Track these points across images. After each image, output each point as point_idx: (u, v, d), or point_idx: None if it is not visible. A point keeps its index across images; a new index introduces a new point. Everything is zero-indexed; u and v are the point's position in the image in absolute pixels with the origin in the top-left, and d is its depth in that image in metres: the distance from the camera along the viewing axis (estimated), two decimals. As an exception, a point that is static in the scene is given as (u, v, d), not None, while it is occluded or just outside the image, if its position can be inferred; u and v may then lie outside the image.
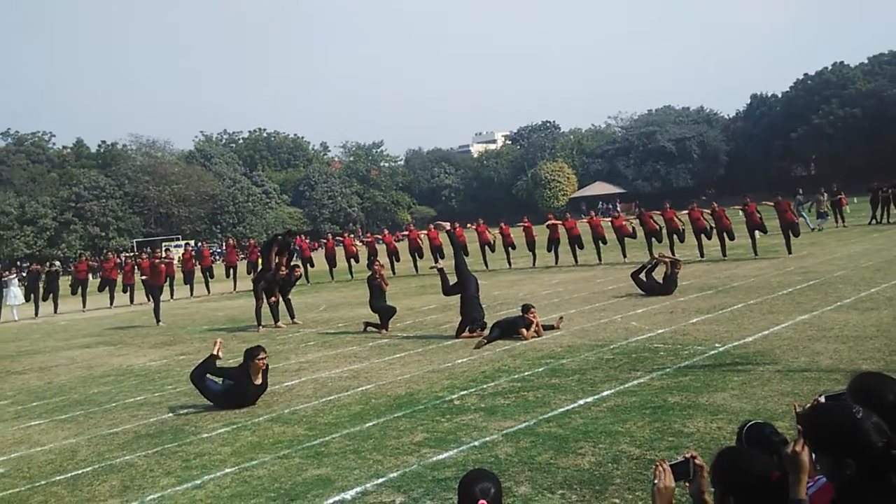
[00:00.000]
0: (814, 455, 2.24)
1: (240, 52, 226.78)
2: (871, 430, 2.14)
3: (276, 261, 14.27)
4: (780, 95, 68.44)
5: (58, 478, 5.92)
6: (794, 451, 2.24)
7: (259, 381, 7.72)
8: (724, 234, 18.54)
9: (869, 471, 2.11)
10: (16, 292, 22.78)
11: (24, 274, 29.63)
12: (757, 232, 18.45)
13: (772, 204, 18.60)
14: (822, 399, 2.71)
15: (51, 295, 22.67)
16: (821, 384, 6.23)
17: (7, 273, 24.22)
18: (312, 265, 25.27)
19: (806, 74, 65.79)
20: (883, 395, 2.47)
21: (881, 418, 2.18)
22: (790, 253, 17.50)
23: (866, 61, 64.97)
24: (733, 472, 2.37)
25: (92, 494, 5.45)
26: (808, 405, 2.56)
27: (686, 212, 19.75)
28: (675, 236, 19.79)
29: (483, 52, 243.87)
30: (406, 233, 30.63)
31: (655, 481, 2.47)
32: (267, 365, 7.82)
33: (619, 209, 53.51)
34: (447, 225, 11.99)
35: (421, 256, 24.49)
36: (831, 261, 15.57)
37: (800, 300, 10.85)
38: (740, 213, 19.26)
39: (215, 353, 8.08)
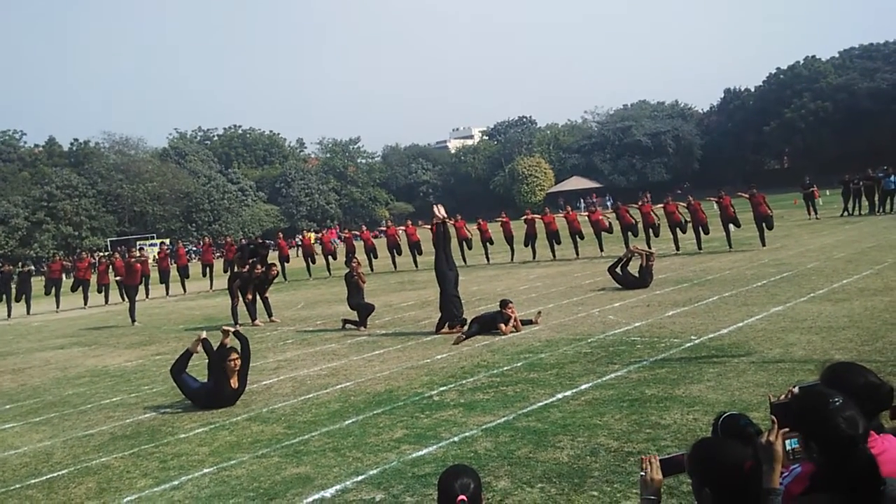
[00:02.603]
0: (787, 443, 2.28)
1: (215, 49, 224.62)
2: (841, 420, 2.18)
3: (249, 263, 14.21)
4: (752, 90, 69.26)
5: (33, 481, 5.84)
6: (768, 440, 2.27)
7: (235, 383, 7.66)
8: (700, 228, 18.71)
9: (834, 460, 2.16)
10: (-13, 293, 22.41)
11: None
12: (731, 225, 18.64)
13: (747, 196, 18.79)
14: (797, 390, 2.75)
15: (23, 296, 22.33)
16: (795, 375, 6.33)
17: (-22, 274, 23.80)
18: (288, 261, 25.14)
19: (778, 69, 66.65)
20: (851, 381, 2.52)
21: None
22: (764, 245, 17.71)
23: (837, 55, 65.96)
24: (708, 462, 2.40)
25: (68, 497, 5.38)
26: (782, 396, 2.60)
27: (661, 205, 19.91)
28: (650, 230, 19.94)
29: (459, 48, 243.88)
30: (383, 229, 30.58)
31: (642, 473, 2.49)
32: (243, 365, 7.74)
33: (596, 204, 53.76)
34: (442, 211, 11.53)
35: (399, 253, 24.47)
36: (804, 253, 15.79)
37: (774, 292, 10.99)
38: (715, 205, 19.44)
39: (193, 349, 8.02)
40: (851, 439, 2.17)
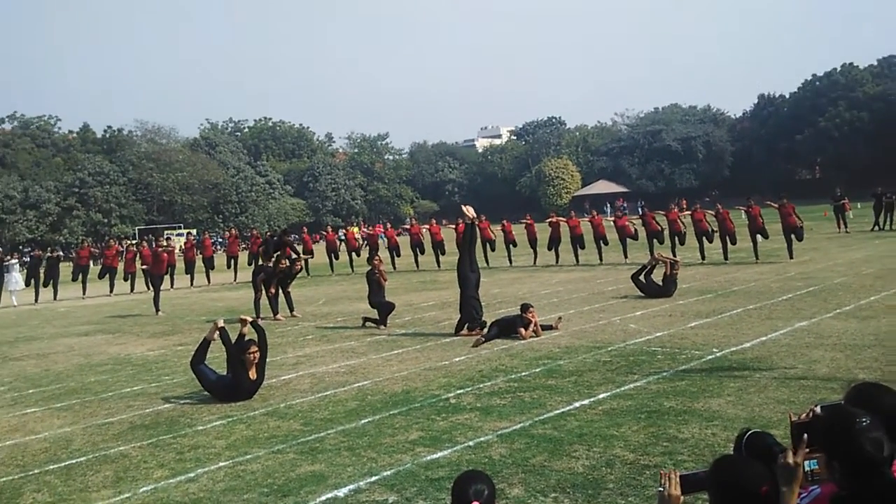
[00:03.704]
0: (807, 464, 2.24)
1: (247, 41, 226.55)
2: (867, 441, 2.14)
3: (275, 257, 14.32)
4: (787, 96, 68.23)
5: (51, 467, 5.93)
6: (787, 461, 2.23)
7: (254, 375, 7.71)
8: (727, 238, 18.49)
9: (857, 482, 2.12)
10: (16, 277, 22.82)
11: (27, 259, 29.65)
12: (759, 236, 18.40)
13: (776, 206, 18.52)
14: (819, 409, 2.69)
15: (51, 281, 22.65)
16: (817, 393, 6.22)
17: (8, 258, 24.23)
18: (312, 255, 25.25)
19: (814, 75, 65.59)
20: (879, 402, 2.46)
21: None
22: (791, 258, 17.46)
23: (876, 63, 64.59)
24: (726, 481, 2.36)
25: (85, 484, 5.45)
26: (804, 414, 2.56)
27: (689, 213, 19.71)
28: (676, 238, 19.73)
29: (490, 46, 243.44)
30: (407, 227, 30.63)
31: (660, 488, 2.46)
32: (261, 357, 7.79)
33: (625, 209, 53.14)
34: (472, 212, 11.28)
35: (422, 252, 24.49)
36: (832, 267, 15.54)
37: (799, 306, 10.83)
38: (743, 215, 19.21)
39: (209, 336, 8.10)
40: (876, 461, 2.12)
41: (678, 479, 2.46)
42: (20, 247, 50.09)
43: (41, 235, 55.33)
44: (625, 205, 58.92)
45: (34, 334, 14.72)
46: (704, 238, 19.04)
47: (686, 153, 67.19)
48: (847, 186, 32.05)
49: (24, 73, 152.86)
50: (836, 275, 14.11)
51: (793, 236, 17.84)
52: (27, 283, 22.60)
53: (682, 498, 2.45)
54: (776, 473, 2.28)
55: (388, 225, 32.35)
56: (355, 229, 29.56)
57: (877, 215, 25.30)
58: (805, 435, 2.28)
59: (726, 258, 18.40)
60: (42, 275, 22.91)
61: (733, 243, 18.64)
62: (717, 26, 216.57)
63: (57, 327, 15.67)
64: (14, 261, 23.77)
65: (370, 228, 30.09)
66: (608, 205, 59.92)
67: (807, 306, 10.77)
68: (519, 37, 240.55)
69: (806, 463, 2.25)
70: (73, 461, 6.03)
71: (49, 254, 24.13)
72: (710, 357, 8.02)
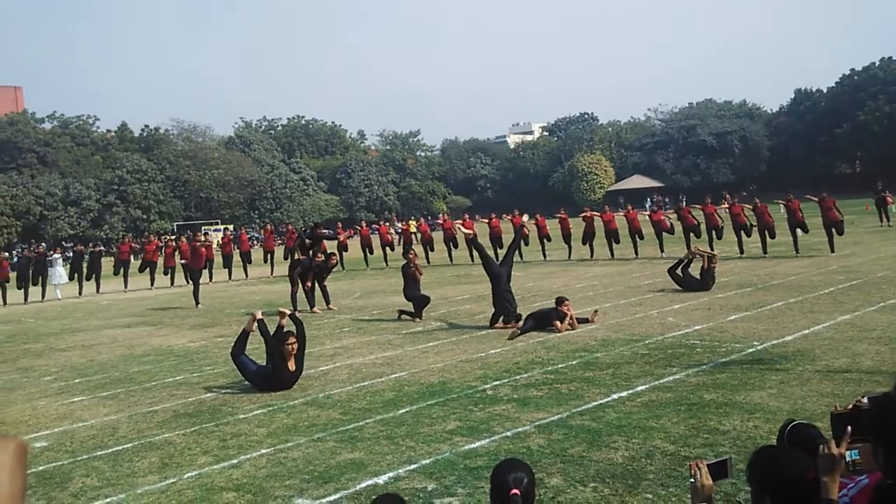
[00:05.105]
0: (848, 454, 2.22)
1: (281, 41, 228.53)
2: None
3: (311, 252, 14.49)
4: (825, 91, 66.87)
5: (99, 453, 6.08)
6: (829, 451, 2.22)
7: (293, 366, 7.81)
8: (766, 232, 18.21)
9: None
10: (60, 272, 23.40)
11: (70, 254, 30.33)
12: (798, 230, 18.07)
13: (816, 200, 18.19)
14: (865, 400, 2.66)
15: (94, 275, 23.16)
16: (861, 385, 6.11)
17: (52, 253, 24.84)
18: (346, 250, 25.44)
19: (852, 70, 64.10)
20: None
21: None
22: (833, 252, 17.12)
23: (915, 56, 63.04)
24: (769, 471, 2.35)
25: (132, 470, 5.59)
26: (849, 406, 2.53)
27: (726, 206, 19.44)
28: (713, 232, 19.46)
29: (522, 42, 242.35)
30: (440, 222, 30.68)
31: (692, 479, 2.46)
32: (299, 348, 7.88)
33: (664, 203, 52.43)
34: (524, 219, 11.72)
35: (456, 246, 24.52)
36: (875, 261, 15.22)
37: (841, 300, 10.64)
38: (782, 208, 18.87)
39: (248, 328, 8.23)
40: None
41: (706, 469, 2.47)
42: (62, 242, 51.23)
43: (82, 231, 56.50)
44: (666, 199, 58.19)
45: (78, 326, 15.08)
46: (743, 232, 18.76)
47: (722, 148, 66.20)
48: (889, 180, 31.24)
49: (64, 74, 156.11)
50: (879, 268, 13.81)
51: (833, 230, 17.51)
52: (70, 278, 23.16)
53: (714, 487, 2.45)
54: (817, 464, 2.26)
55: (423, 220, 32.50)
56: (412, 223, 30.14)
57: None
58: (849, 427, 2.26)
59: (765, 252, 18.12)
60: (85, 269, 23.44)
61: (772, 237, 18.35)
62: (752, 20, 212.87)
63: (100, 319, 16.02)
64: (57, 256, 24.39)
65: (411, 222, 30.56)
66: (648, 200, 59.23)
67: (849, 300, 10.57)
68: (550, 34, 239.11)
69: (848, 453, 2.24)
70: (120, 448, 6.18)
71: (91, 249, 24.68)
72: (750, 350, 7.92)
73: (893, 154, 55.62)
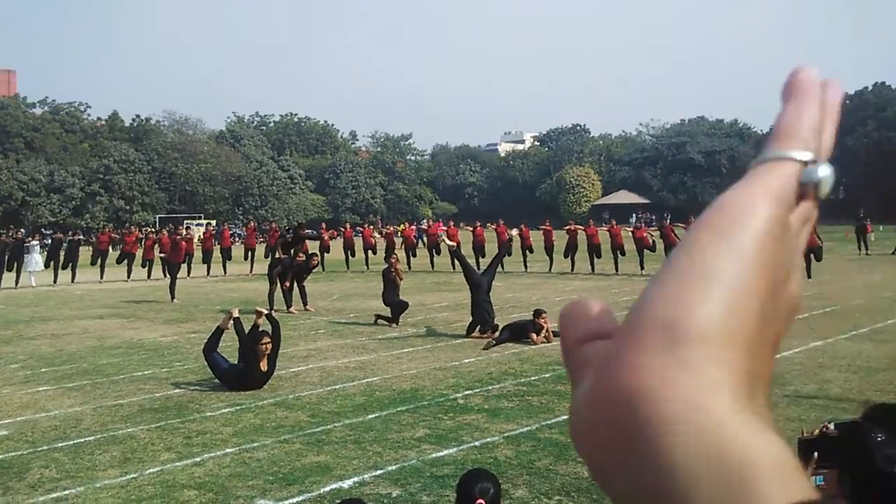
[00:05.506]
0: (814, 479, 2.23)
1: (276, 37, 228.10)
2: (880, 456, 2.11)
3: (292, 251, 14.46)
4: (816, 114, 67.53)
5: (60, 444, 5.99)
6: None
7: (265, 366, 7.75)
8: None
9: (866, 496, 2.09)
10: (36, 259, 23.05)
11: (48, 241, 29.99)
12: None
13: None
14: (832, 427, 2.67)
15: (70, 264, 22.85)
16: (828, 412, 6.15)
17: (30, 239, 24.51)
18: (328, 251, 25.33)
19: (844, 93, 64.76)
20: None
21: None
22: (809, 277, 17.24)
23: (910, 82, 63.79)
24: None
25: (92, 463, 5.51)
26: (816, 431, 2.53)
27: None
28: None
29: (517, 51, 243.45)
30: (424, 228, 30.64)
31: None
32: (273, 349, 7.83)
33: (649, 220, 52.69)
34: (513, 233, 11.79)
35: (438, 253, 24.49)
36: (851, 288, 15.37)
37: (814, 326, 10.71)
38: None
39: (223, 325, 8.16)
40: (885, 476, 2.09)
41: None
42: (42, 229, 50.70)
43: (63, 219, 55.93)
44: (652, 217, 58.50)
45: (50, 315, 14.89)
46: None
47: (710, 167, 66.70)
48: (873, 208, 31.64)
49: (58, 59, 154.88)
50: (855, 296, 13.96)
51: (812, 256, 17.66)
52: (46, 265, 22.83)
53: None
54: None
55: (407, 225, 32.44)
56: (411, 226, 29.99)
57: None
58: (815, 453, 2.26)
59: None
60: (62, 257, 23.15)
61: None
62: (747, 41, 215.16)
63: (73, 309, 15.83)
64: (35, 242, 24.00)
65: (379, 228, 30.42)
66: (633, 215, 59.44)
67: (822, 326, 10.65)
68: (546, 44, 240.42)
69: (813, 479, 2.23)
70: (82, 440, 6.10)
71: (70, 237, 24.39)
72: (722, 371, 7.94)
73: (879, 183, 56.31)
